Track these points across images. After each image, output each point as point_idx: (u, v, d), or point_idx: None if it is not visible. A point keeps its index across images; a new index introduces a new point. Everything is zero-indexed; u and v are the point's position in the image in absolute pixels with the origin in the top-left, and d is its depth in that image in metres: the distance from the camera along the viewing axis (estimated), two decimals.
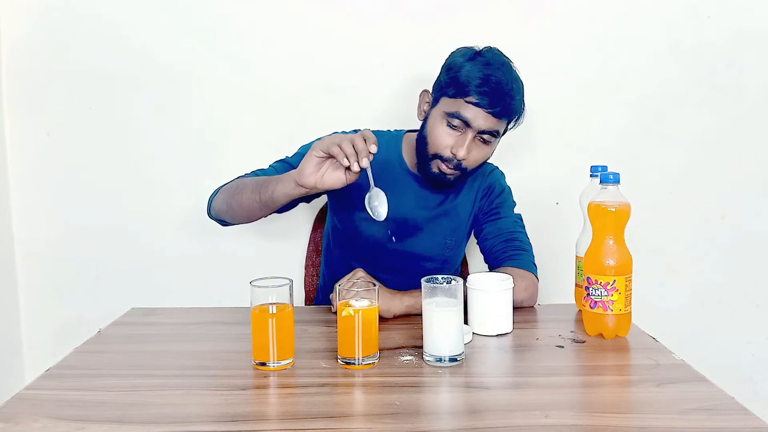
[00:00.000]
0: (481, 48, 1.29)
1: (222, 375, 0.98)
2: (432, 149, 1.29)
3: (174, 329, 1.21)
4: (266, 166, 1.35)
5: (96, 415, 0.85)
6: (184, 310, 1.32)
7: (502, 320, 1.16)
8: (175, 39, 1.70)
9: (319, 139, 1.37)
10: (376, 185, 1.08)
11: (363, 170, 1.06)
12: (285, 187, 1.09)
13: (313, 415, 0.84)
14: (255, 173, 1.30)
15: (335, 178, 1.08)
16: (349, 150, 1.03)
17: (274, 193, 1.11)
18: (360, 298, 1.01)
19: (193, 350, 1.09)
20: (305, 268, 1.68)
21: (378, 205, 1.04)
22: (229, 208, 1.21)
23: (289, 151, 1.42)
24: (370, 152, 1.03)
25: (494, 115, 1.25)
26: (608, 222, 1.12)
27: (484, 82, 1.23)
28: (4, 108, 1.72)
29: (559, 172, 1.76)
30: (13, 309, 1.77)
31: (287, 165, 1.33)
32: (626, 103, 1.76)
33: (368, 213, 1.07)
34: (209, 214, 1.30)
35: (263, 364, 1.00)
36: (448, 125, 1.27)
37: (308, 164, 1.07)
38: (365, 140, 1.04)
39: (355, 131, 1.40)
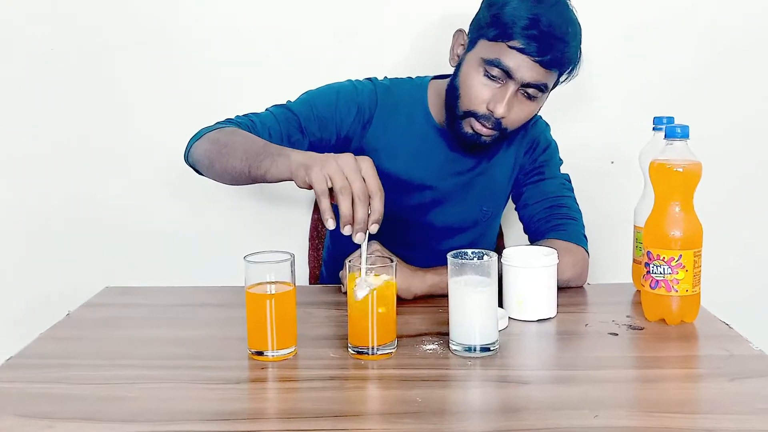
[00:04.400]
0: None
1: (212, 366, 0.98)
2: (465, 104, 1.28)
3: (155, 312, 1.22)
4: (262, 110, 1.34)
5: (66, 412, 0.87)
6: (167, 290, 1.33)
7: (544, 303, 1.16)
8: None
9: (327, 89, 1.38)
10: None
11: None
12: (279, 170, 1.08)
13: (320, 413, 0.85)
14: (249, 121, 1.29)
15: None
16: (345, 210, 0.98)
17: (267, 175, 1.09)
18: (374, 275, 1.01)
19: (178, 336, 1.10)
20: (309, 241, 1.69)
21: (357, 290, 1.01)
22: (211, 167, 1.21)
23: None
24: (368, 228, 0.99)
25: (543, 64, 1.22)
26: (674, 184, 1.11)
27: (532, 24, 1.20)
28: None
29: (614, 124, 1.75)
30: None
31: (288, 113, 1.32)
32: (697, 47, 1.73)
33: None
34: (186, 159, 1.29)
35: (260, 353, 1.00)
36: (485, 75, 1.25)
37: (299, 177, 1.04)
38: (371, 197, 0.99)
39: (369, 81, 1.40)
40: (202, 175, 1.28)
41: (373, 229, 1.00)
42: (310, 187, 1.02)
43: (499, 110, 1.24)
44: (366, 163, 1.00)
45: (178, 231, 1.78)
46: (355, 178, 0.98)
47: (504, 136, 1.31)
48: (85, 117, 1.74)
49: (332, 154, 1.02)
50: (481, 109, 1.26)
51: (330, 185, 0.99)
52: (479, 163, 1.41)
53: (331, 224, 0.99)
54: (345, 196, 0.98)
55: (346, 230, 0.99)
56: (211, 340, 1.08)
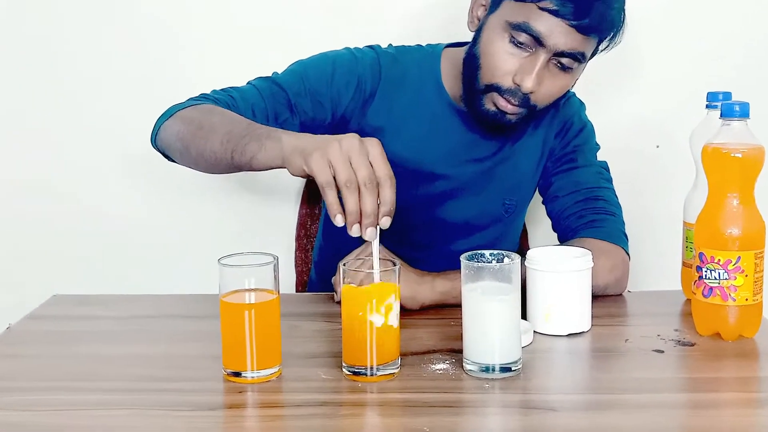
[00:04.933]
0: None
1: (181, 390, 0.98)
2: (486, 76, 1.27)
3: (114, 325, 1.22)
4: (244, 83, 1.34)
5: None
6: (127, 299, 1.33)
7: (576, 314, 1.16)
8: None
9: (322, 58, 1.37)
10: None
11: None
12: (269, 156, 1.07)
13: None
14: (228, 97, 1.28)
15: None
16: (352, 206, 0.98)
17: (253, 161, 1.09)
18: (373, 280, 1.00)
19: (140, 354, 1.10)
20: (296, 240, 1.69)
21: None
22: (185, 152, 1.20)
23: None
24: (379, 223, 0.99)
25: (579, 29, 1.21)
26: (731, 173, 1.10)
27: None
28: None
29: (660, 101, 1.74)
30: None
31: (275, 87, 1.31)
32: (761, 11, 1.72)
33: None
34: (153, 142, 1.28)
35: (237, 374, 1.00)
36: (511, 42, 1.24)
37: (295, 164, 1.04)
38: (381, 185, 0.98)
39: (371, 50, 1.39)
40: (173, 161, 1.27)
41: (384, 223, 1.00)
42: (307, 176, 1.01)
43: (528, 83, 1.23)
44: (374, 147, 1.00)
45: (141, 229, 1.79)
46: (361, 164, 0.98)
47: (532, 114, 1.30)
48: (39, 95, 1.74)
49: (333, 135, 1.02)
50: (506, 82, 1.25)
51: (333, 174, 0.99)
52: (502, 148, 1.40)
53: (339, 220, 0.99)
54: (351, 189, 0.98)
55: (354, 231, 0.99)
56: (178, 358, 1.08)
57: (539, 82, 1.24)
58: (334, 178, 0.98)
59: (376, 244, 1.01)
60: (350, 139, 1.00)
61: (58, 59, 1.73)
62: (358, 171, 0.98)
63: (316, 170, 0.99)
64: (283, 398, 0.96)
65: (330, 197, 0.99)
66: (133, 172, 1.76)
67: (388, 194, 0.99)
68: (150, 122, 1.28)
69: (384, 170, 0.99)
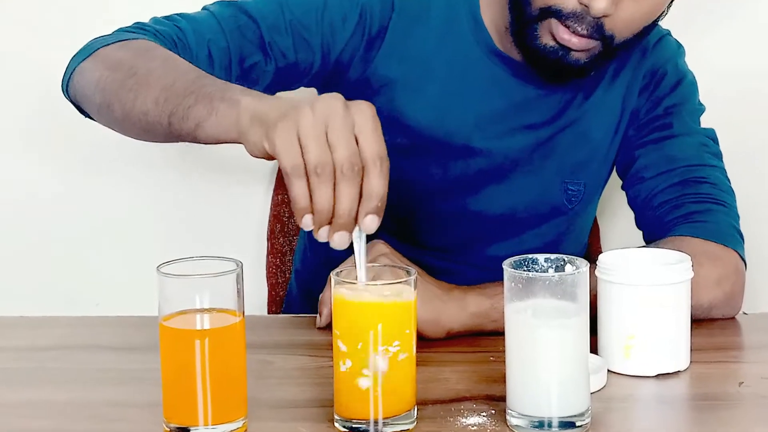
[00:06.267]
0: None
1: None
2: None
3: (15, 359, 1.23)
4: (198, 9, 1.34)
5: None
6: (32, 322, 1.34)
7: (668, 346, 1.16)
8: None
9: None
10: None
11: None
12: (219, 127, 1.07)
13: None
14: (174, 29, 1.29)
15: None
16: (323, 205, 0.96)
17: (198, 131, 1.08)
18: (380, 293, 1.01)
19: (45, 401, 1.10)
20: (269, 239, 1.70)
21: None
22: (107, 108, 1.21)
23: None
24: (361, 225, 0.98)
25: None
26: None
27: None
28: None
29: None
30: None
31: (242, 17, 1.31)
32: None
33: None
34: (65, 90, 1.29)
35: (184, 431, 1.00)
36: None
37: (254, 140, 1.02)
38: (366, 170, 0.96)
39: None
40: (91, 118, 1.28)
41: (368, 225, 0.98)
42: (272, 158, 1.00)
43: (599, 4, 1.24)
44: (363, 114, 0.98)
45: (43, 219, 1.81)
46: (341, 139, 0.95)
47: (607, 54, 1.32)
48: None
49: (308, 98, 1.00)
50: (569, 4, 1.27)
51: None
52: (564, 109, 1.41)
53: (307, 223, 0.97)
54: (323, 176, 0.95)
55: (321, 234, 0.97)
56: (100, 407, 1.08)
57: (614, 3, 1.25)
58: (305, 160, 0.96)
59: (359, 248, 1.01)
60: (329, 102, 0.97)
61: None
62: (336, 150, 0.95)
63: (279, 149, 0.96)
64: None
65: (296, 188, 0.96)
66: (32, 132, 1.78)
67: (375, 183, 0.96)
68: (60, 61, 1.29)
69: (372, 148, 0.96)
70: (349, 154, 0.95)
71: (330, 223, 0.96)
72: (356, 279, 1.02)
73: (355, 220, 0.97)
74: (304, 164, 0.95)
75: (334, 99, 0.98)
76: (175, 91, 1.13)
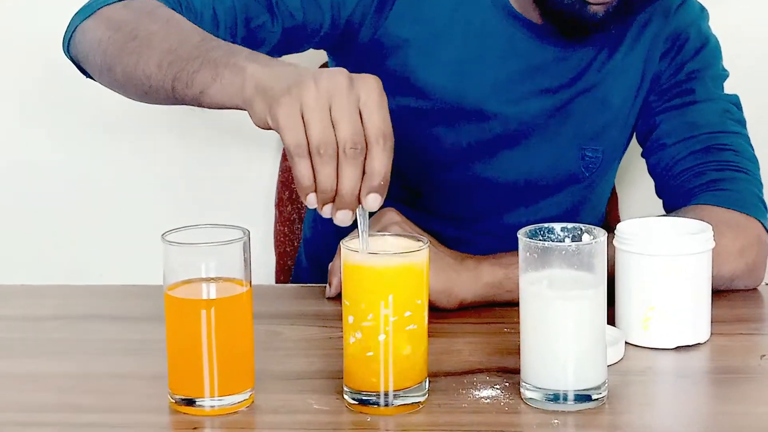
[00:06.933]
0: None
1: (107, 424, 0.98)
2: None
3: (16, 329, 1.23)
4: None
5: None
6: (29, 292, 1.33)
7: (689, 318, 1.15)
8: None
9: None
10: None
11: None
12: (224, 93, 1.07)
13: None
14: None
15: None
16: (326, 185, 0.96)
17: (203, 97, 1.09)
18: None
19: (47, 374, 1.10)
20: (277, 207, 1.70)
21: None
22: (109, 71, 1.20)
23: None
24: (361, 203, 0.98)
25: None
26: None
27: None
28: None
29: None
30: None
31: None
32: None
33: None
34: (66, 49, 1.29)
35: (190, 402, 1.00)
36: None
37: (258, 112, 1.03)
38: (369, 146, 0.96)
39: None
40: (92, 78, 1.27)
41: (371, 203, 0.98)
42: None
43: None
44: (368, 89, 0.97)
45: (46, 185, 1.80)
46: (344, 117, 0.95)
47: (626, 7, 1.31)
48: None
49: (313, 71, 0.99)
50: None
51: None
52: (583, 72, 1.41)
53: (312, 201, 0.98)
54: (326, 156, 0.95)
55: (325, 211, 0.98)
56: (103, 379, 1.08)
57: None
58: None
59: (362, 226, 1.01)
60: (333, 77, 0.97)
61: None
62: (339, 128, 0.95)
63: (282, 125, 0.97)
64: None
65: (299, 168, 0.96)
66: (33, 98, 1.78)
67: (378, 162, 0.96)
68: (62, 20, 1.28)
69: (377, 125, 0.96)
70: (352, 132, 0.95)
71: (334, 200, 0.97)
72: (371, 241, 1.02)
73: (359, 198, 0.97)
74: (307, 143, 0.95)
75: (339, 74, 0.98)
76: (178, 55, 1.12)
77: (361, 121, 0.96)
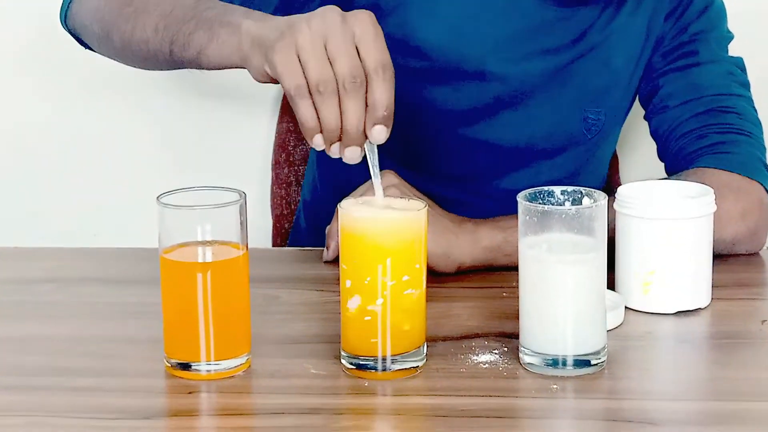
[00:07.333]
0: None
1: (102, 388, 0.99)
2: None
3: (8, 292, 1.23)
4: None
5: None
6: (24, 254, 1.34)
7: (689, 282, 1.15)
8: None
9: None
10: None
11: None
12: (222, 52, 1.08)
13: None
14: None
15: None
16: (330, 122, 0.98)
17: (201, 58, 1.10)
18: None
19: (43, 336, 1.10)
20: (274, 169, 1.70)
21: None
22: (106, 38, 1.21)
23: None
24: (369, 137, 0.99)
25: None
26: None
27: None
28: None
29: None
30: None
31: None
32: None
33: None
34: (63, 21, 1.29)
35: (186, 367, 1.00)
36: None
37: (256, 64, 1.04)
38: (370, 79, 0.97)
39: None
40: (91, 49, 1.28)
41: (377, 135, 0.99)
42: (276, 81, 1.01)
43: None
44: (361, 22, 0.99)
45: (41, 147, 1.81)
46: (341, 52, 0.97)
47: None
48: None
49: (305, 14, 1.00)
50: None
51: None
52: (585, 33, 1.40)
53: (318, 143, 0.99)
54: (326, 92, 0.96)
55: (333, 150, 0.99)
56: (99, 342, 1.08)
57: None
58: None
59: (372, 160, 1.01)
60: (325, 16, 0.99)
61: None
62: (336, 64, 0.97)
63: (280, 70, 0.98)
64: (252, 403, 0.97)
65: (301, 109, 0.98)
66: (26, 58, 1.78)
67: (380, 92, 0.98)
68: None
69: (374, 56, 0.98)
70: (350, 66, 0.97)
71: (340, 139, 0.98)
72: (369, 204, 1.03)
73: (365, 134, 0.98)
74: (307, 83, 0.97)
75: (331, 11, 0.99)
76: (174, 18, 1.13)
77: (359, 56, 0.97)
